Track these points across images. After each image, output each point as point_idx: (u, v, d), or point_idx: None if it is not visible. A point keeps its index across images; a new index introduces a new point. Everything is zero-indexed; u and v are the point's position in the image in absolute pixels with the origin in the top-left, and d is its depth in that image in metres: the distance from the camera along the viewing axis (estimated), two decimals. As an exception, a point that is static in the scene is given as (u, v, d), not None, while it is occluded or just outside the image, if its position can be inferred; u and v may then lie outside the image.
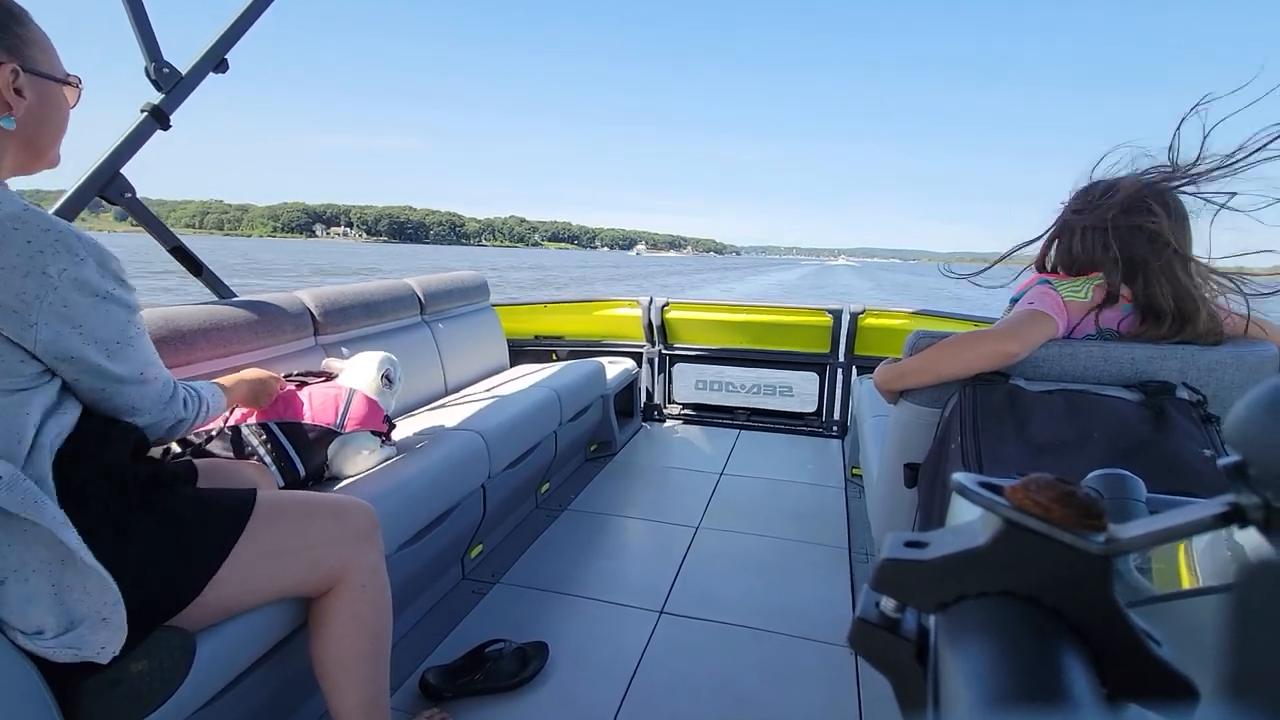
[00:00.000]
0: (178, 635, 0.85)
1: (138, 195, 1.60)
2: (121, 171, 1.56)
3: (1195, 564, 0.37)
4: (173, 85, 1.61)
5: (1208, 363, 1.03)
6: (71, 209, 1.50)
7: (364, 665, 1.06)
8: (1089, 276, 1.12)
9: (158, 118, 1.60)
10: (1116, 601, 0.23)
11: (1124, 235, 1.08)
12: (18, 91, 0.79)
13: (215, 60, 1.70)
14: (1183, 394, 0.99)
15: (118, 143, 1.55)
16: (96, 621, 0.75)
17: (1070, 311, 1.11)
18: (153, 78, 1.59)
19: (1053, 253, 1.21)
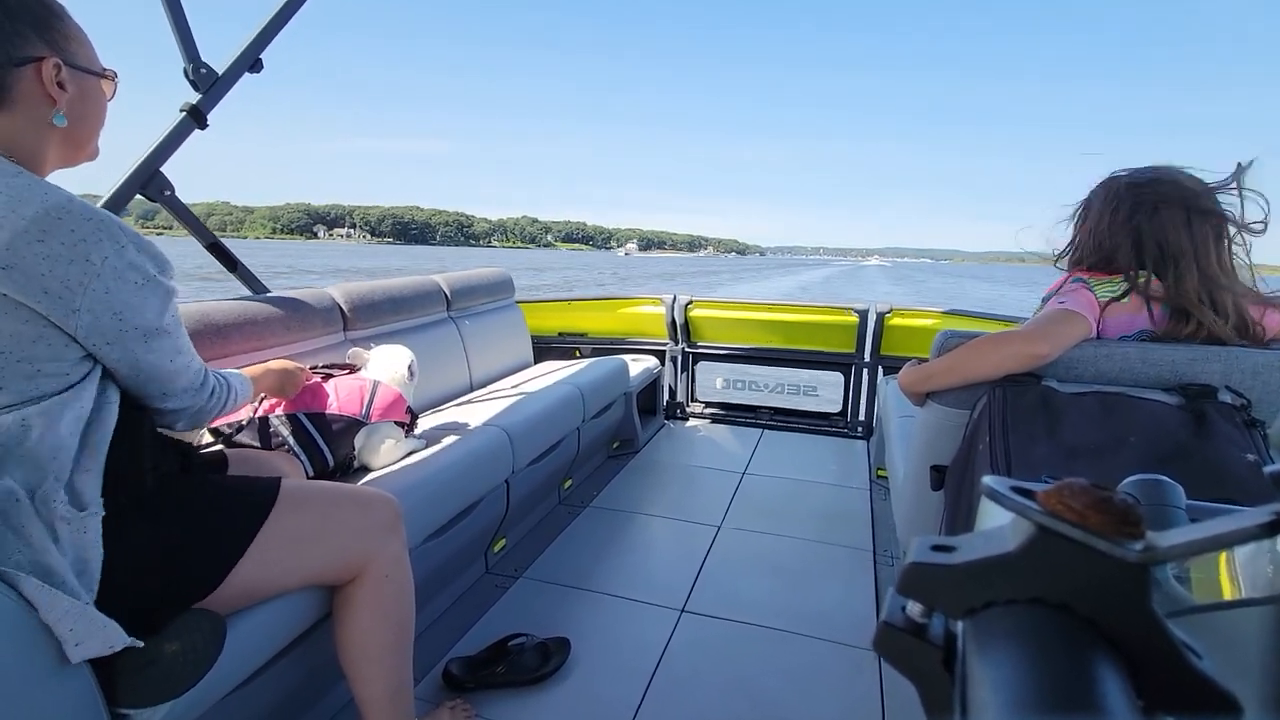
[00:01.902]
0: (209, 618, 0.87)
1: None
2: (161, 170, 1.61)
3: (1237, 574, 0.35)
4: (210, 85, 1.65)
5: (1253, 365, 0.99)
6: (114, 207, 1.55)
7: (387, 655, 1.08)
8: (1127, 274, 1.09)
9: (195, 117, 1.65)
10: (1154, 612, 0.22)
11: (1180, 230, 1.04)
12: (60, 85, 0.81)
13: (250, 60, 1.74)
14: (1225, 397, 0.95)
15: (157, 142, 1.60)
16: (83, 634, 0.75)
17: (1104, 310, 1.08)
18: (190, 78, 1.63)
19: (1082, 248, 1.17)
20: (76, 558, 0.76)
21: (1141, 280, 1.07)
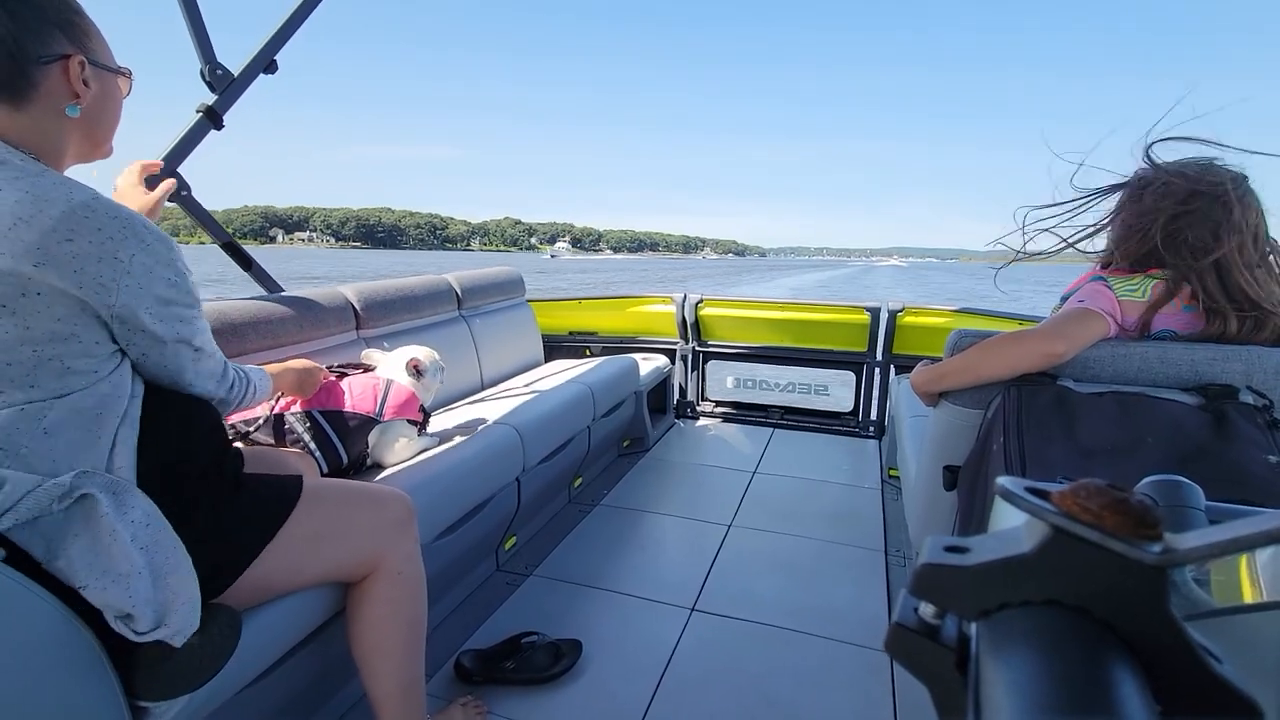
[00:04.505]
0: (227, 613, 0.88)
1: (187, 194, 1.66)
2: (178, 171, 1.63)
3: (1258, 577, 0.35)
4: (225, 86, 1.67)
5: (1275, 365, 0.98)
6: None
7: (399, 651, 1.09)
8: (1149, 274, 1.07)
9: (211, 118, 1.67)
10: (1173, 615, 0.21)
11: (1205, 227, 1.00)
12: (85, 83, 0.82)
13: (265, 62, 1.76)
14: (1247, 398, 0.94)
15: (174, 143, 1.62)
16: (177, 607, 0.79)
17: (1125, 310, 1.06)
18: (207, 79, 1.65)
19: (1116, 245, 1.13)
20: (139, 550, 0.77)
21: (1167, 278, 1.05)
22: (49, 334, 0.75)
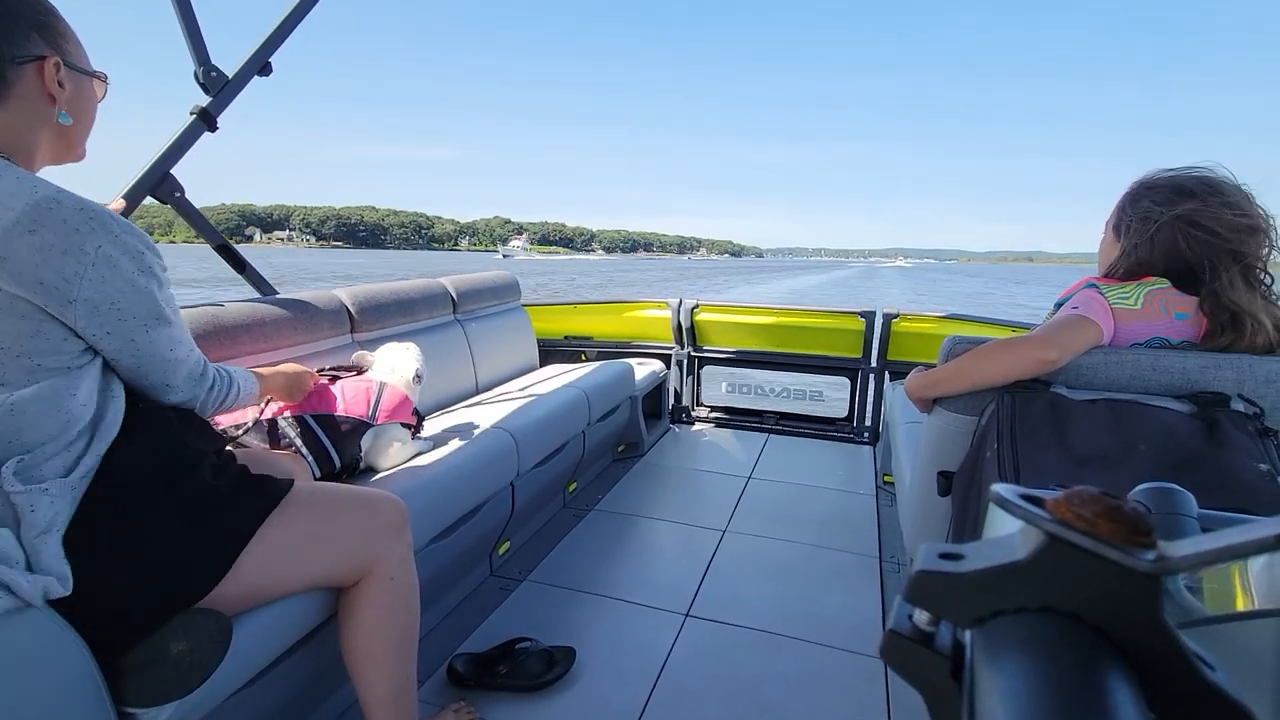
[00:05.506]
0: (215, 618, 0.87)
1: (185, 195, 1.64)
2: (171, 172, 1.63)
3: (1250, 584, 0.35)
4: (219, 88, 1.67)
5: (1266, 374, 0.98)
6: (127, 208, 1.57)
7: (391, 656, 1.08)
8: (1141, 281, 1.08)
9: (205, 120, 1.66)
10: (1166, 622, 0.22)
11: (1216, 239, 1.01)
12: (60, 84, 0.82)
13: (259, 64, 1.75)
14: (1238, 406, 0.94)
15: (168, 145, 1.61)
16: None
17: (1118, 318, 1.07)
18: (201, 81, 1.65)
19: (1122, 256, 1.12)
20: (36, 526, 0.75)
21: (1161, 287, 1.06)
22: (14, 331, 0.74)
